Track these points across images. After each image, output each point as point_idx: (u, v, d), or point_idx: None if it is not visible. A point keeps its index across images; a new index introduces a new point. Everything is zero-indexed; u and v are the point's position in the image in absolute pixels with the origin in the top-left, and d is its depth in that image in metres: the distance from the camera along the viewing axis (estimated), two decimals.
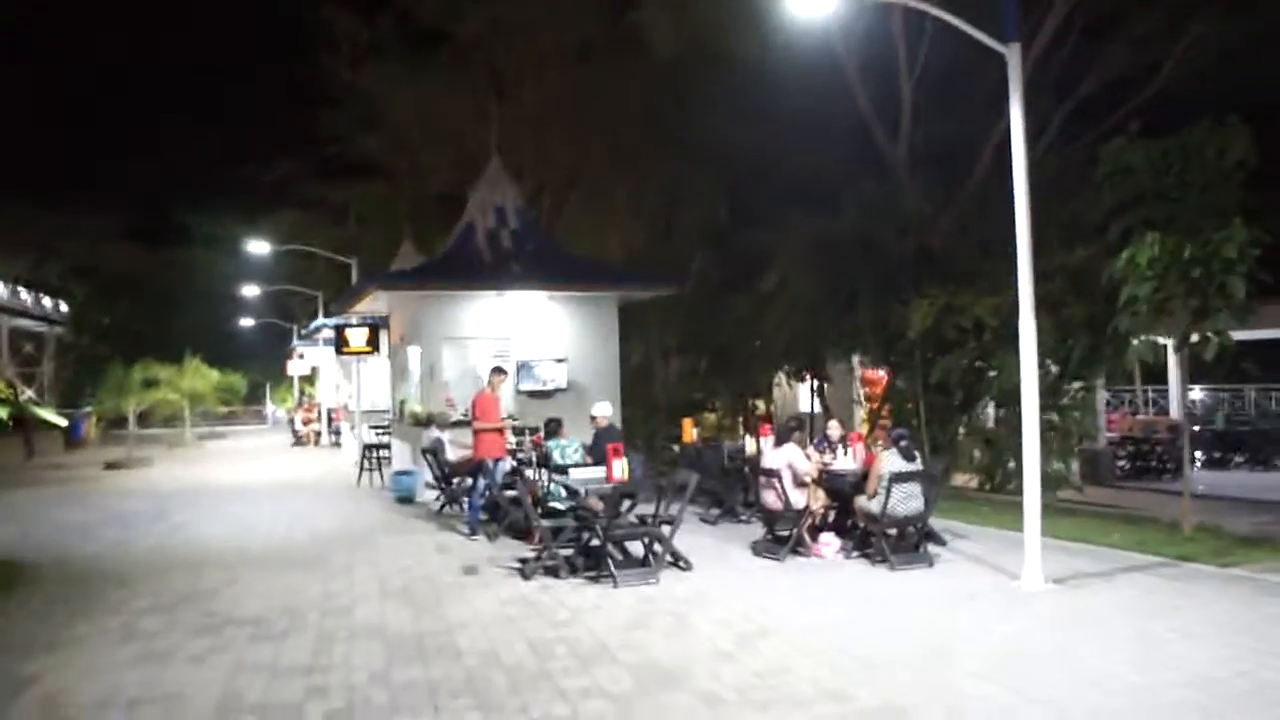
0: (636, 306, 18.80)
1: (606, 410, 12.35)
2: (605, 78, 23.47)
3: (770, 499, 10.57)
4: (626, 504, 10.18)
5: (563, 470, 11.12)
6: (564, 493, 10.79)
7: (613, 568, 9.19)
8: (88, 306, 48.95)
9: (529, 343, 16.89)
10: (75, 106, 66.85)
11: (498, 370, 12.67)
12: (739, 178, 19.42)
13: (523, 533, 11.83)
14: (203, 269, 47.64)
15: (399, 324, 18.61)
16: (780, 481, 10.34)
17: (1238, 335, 11.21)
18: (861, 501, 10.30)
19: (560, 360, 16.96)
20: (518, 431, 14.44)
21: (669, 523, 9.69)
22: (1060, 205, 14.43)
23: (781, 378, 26.24)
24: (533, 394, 16.80)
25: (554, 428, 11.76)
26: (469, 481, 14.29)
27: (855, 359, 25.39)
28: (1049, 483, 15.15)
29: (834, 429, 11.70)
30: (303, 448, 31.19)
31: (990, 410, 15.93)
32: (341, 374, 29.30)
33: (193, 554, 11.44)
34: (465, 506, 13.89)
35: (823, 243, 16.04)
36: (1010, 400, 14.71)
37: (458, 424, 15.29)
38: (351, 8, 29.89)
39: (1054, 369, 14.44)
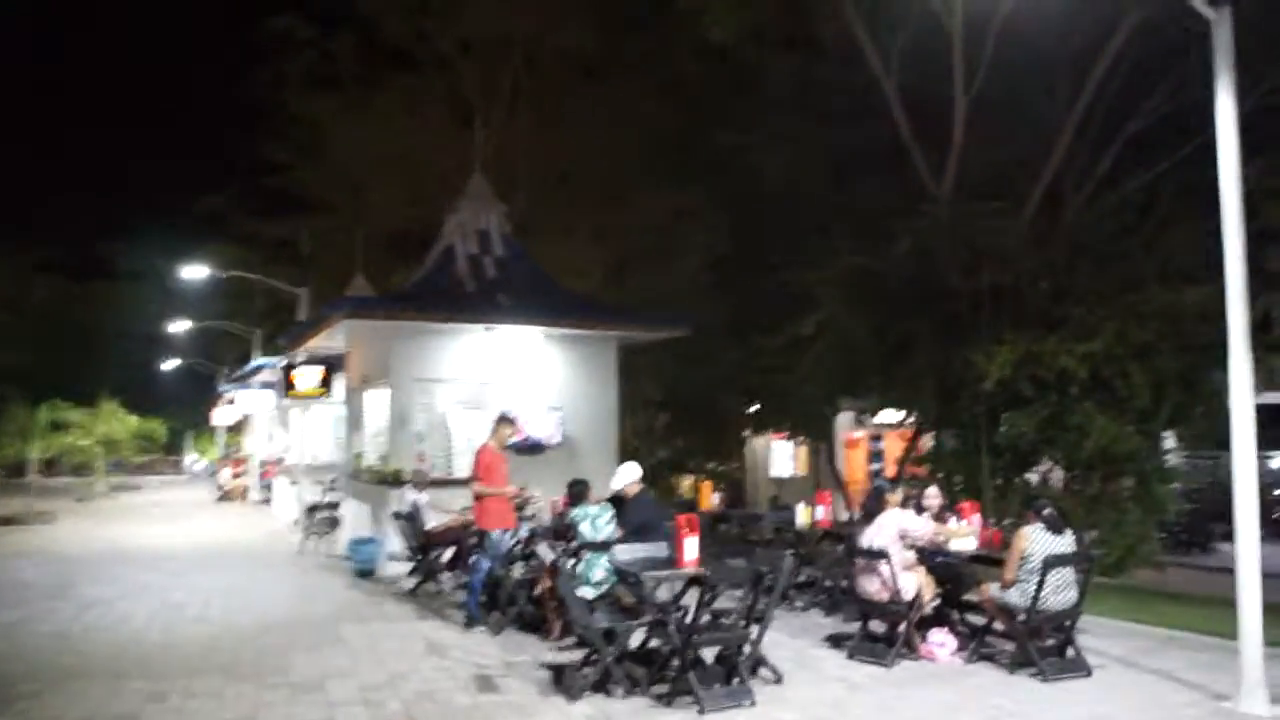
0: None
1: (634, 475, 9.83)
2: (607, 94, 21.38)
3: (873, 586, 8.19)
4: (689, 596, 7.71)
5: (597, 548, 8.62)
6: (597, 577, 8.31)
7: (695, 684, 6.69)
8: None
9: (517, 388, 14.40)
10: None
11: (505, 419, 10.14)
12: (757, 210, 17.16)
13: (535, 624, 9.27)
14: (125, 305, 44.12)
15: (360, 363, 15.97)
16: (890, 563, 7.97)
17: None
18: (995, 591, 7.97)
19: (555, 409, 14.49)
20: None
21: (758, 621, 7.22)
22: (1157, 242, 12.47)
23: (756, 437, 24.16)
24: (520, 449, 14.26)
25: (580, 492, 9.23)
26: (448, 555, 11.79)
27: (848, 416, 23.37)
28: (1128, 560, 13.10)
29: (933, 497, 9.35)
30: (229, 504, 27.99)
31: (1057, 474, 13.79)
32: (278, 422, 26.28)
33: (104, 649, 8.67)
34: (441, 582, 11.42)
35: (869, 280, 13.80)
36: (1099, 463, 12.62)
37: (435, 483, 12.73)
38: (306, 21, 27.35)
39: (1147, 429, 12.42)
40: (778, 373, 15.34)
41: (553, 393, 14.57)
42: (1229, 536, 19.41)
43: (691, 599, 7.38)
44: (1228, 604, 11.23)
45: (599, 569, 8.46)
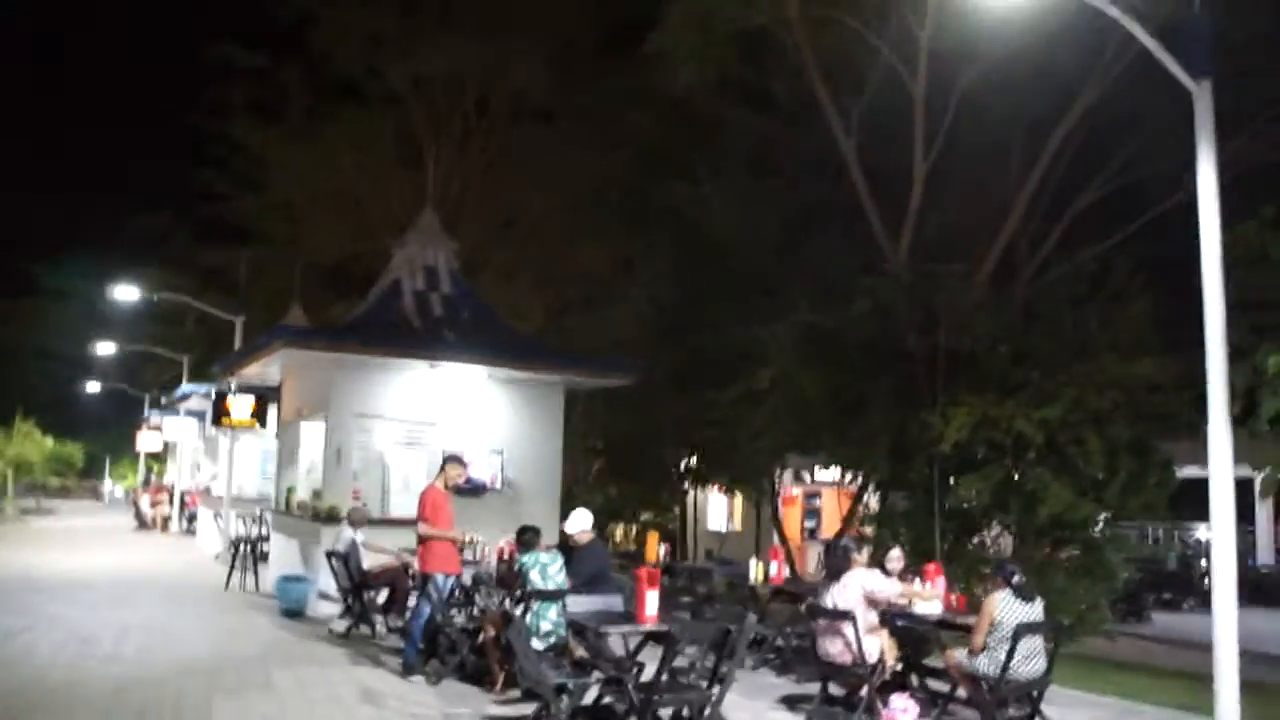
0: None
1: (586, 522, 9.48)
2: (558, 139, 21.23)
3: (836, 648, 7.87)
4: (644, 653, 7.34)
5: (547, 597, 8.22)
6: (545, 628, 7.91)
7: None
8: None
9: (458, 429, 13.94)
10: None
11: (454, 460, 9.70)
12: (707, 262, 16.97)
13: (477, 675, 8.80)
14: (47, 324, 42.56)
15: (295, 395, 15.38)
16: (855, 625, 7.68)
17: None
18: (961, 658, 7.70)
19: (496, 452, 14.05)
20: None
21: (719, 682, 6.86)
22: (1115, 312, 12.50)
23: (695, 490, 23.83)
24: (461, 491, 13.74)
25: (530, 539, 8.80)
26: (383, 596, 11.27)
27: (786, 474, 23.13)
28: (1078, 628, 12.97)
29: (895, 559, 9.10)
30: (148, 533, 26.85)
31: (1005, 540, 13.66)
32: (204, 452, 25.38)
33: (5, 689, 7.98)
34: (376, 625, 10.89)
35: (823, 338, 13.64)
36: (1049, 530, 12.51)
37: (373, 523, 12.20)
38: (251, 49, 26.80)
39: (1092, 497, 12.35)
40: (724, 426, 15.05)
41: (496, 435, 14.13)
42: (1163, 606, 19.58)
43: (647, 656, 7.02)
44: (1179, 675, 11.30)
45: (547, 620, 8.08)
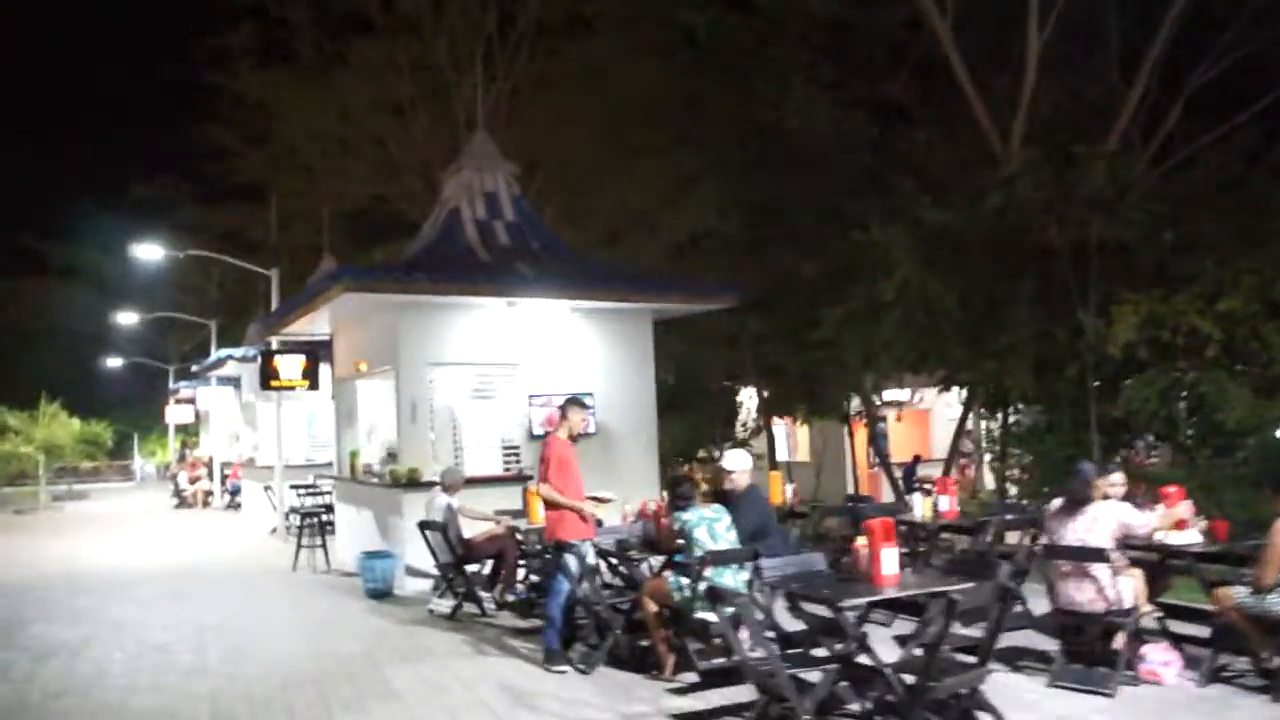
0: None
1: (746, 463, 7.98)
2: (596, 54, 19.43)
3: (1085, 594, 6.42)
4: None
5: (724, 560, 6.75)
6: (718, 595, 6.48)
7: None
8: None
9: (543, 372, 12.45)
10: None
11: (574, 403, 8.17)
12: (788, 170, 15.15)
13: (633, 659, 7.37)
14: (58, 303, 41.10)
15: (352, 349, 13.87)
16: (1109, 566, 6.22)
17: None
18: (1244, 597, 6.21)
19: (586, 395, 12.55)
20: None
21: (986, 653, 5.38)
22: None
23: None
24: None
25: (687, 491, 7.29)
26: (486, 568, 9.87)
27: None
28: None
29: (1118, 484, 7.56)
30: (189, 511, 25.56)
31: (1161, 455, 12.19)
32: (243, 420, 23.96)
33: None
34: (484, 603, 9.50)
35: (948, 239, 11.96)
36: (1222, 436, 11.01)
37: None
38: None
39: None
40: (824, 349, 13.47)
41: (583, 376, 12.63)
42: None
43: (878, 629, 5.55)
44: None
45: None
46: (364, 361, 13.14)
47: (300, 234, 26.87)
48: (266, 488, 18.17)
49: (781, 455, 27.37)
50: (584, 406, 8.26)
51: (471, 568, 9.81)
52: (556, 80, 22.03)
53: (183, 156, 43.69)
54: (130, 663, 8.18)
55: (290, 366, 14.61)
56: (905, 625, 7.21)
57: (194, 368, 26.28)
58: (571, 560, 7.64)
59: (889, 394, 21.05)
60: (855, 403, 18.85)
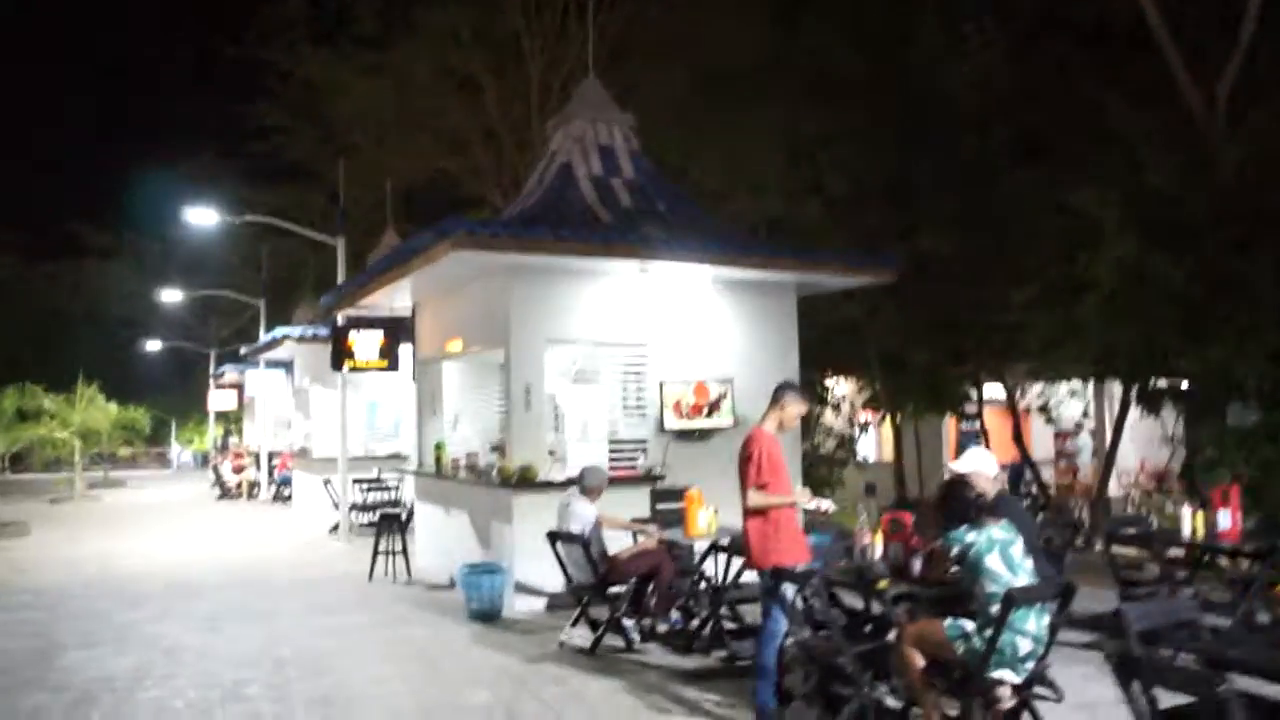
0: None
1: (991, 466, 6.00)
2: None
3: None
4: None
5: (1006, 605, 4.73)
6: (1023, 648, 4.60)
7: None
8: None
9: (673, 353, 10.47)
10: None
11: (790, 390, 6.18)
12: (948, 132, 13.06)
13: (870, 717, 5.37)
14: (96, 285, 39.61)
15: (441, 323, 11.95)
16: None
17: None
18: None
19: (724, 381, 10.56)
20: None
21: None
22: None
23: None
24: (679, 435, 10.35)
25: (977, 503, 5.27)
26: (627, 588, 7.87)
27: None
28: None
29: None
30: (234, 503, 23.79)
31: None
32: (295, 406, 22.13)
33: None
34: (629, 634, 7.56)
35: (1168, 208, 9.85)
36: None
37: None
38: None
39: None
40: (1003, 331, 11.41)
41: (721, 357, 10.65)
42: None
43: None
44: None
45: (1025, 636, 4.73)
46: (457, 338, 11.21)
47: (354, 211, 25.13)
48: (326, 481, 16.35)
49: (868, 454, 25.47)
50: (802, 396, 6.23)
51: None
52: (658, 27, 20.01)
53: (229, 133, 42.27)
54: (198, 711, 6.24)
55: (367, 345, 12.68)
56: None
57: (243, 350, 24.46)
58: (789, 592, 5.66)
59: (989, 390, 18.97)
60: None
